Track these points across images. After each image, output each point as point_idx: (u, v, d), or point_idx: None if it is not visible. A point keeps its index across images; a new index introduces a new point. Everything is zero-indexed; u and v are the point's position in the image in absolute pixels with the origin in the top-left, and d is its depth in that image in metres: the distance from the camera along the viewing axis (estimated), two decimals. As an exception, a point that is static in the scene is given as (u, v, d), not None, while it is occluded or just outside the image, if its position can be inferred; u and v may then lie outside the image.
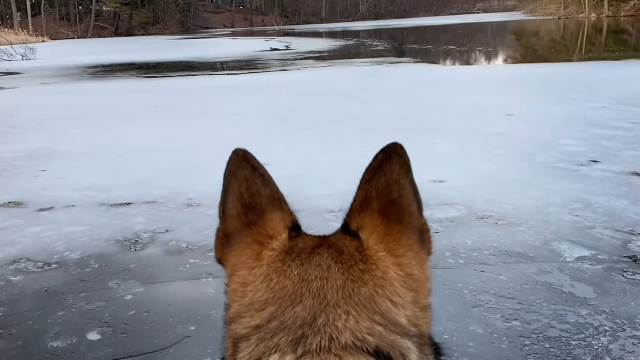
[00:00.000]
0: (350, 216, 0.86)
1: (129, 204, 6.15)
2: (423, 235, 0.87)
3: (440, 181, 6.47)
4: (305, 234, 0.87)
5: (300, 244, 0.84)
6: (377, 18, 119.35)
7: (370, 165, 0.85)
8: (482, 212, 5.50)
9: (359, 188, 0.86)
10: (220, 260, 0.90)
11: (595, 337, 3.35)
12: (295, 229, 0.87)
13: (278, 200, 0.88)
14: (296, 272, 0.78)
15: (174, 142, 9.14)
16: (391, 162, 0.84)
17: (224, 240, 0.89)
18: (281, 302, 0.76)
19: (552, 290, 3.93)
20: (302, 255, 0.81)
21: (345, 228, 0.86)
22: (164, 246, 4.96)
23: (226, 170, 0.89)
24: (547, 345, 3.29)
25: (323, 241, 0.84)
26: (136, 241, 5.10)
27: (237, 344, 0.77)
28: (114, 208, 6.05)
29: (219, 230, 0.91)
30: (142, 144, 9.20)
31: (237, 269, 0.84)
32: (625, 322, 3.48)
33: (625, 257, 4.40)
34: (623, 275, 4.09)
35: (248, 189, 0.87)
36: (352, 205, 0.86)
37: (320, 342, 0.72)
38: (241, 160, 0.88)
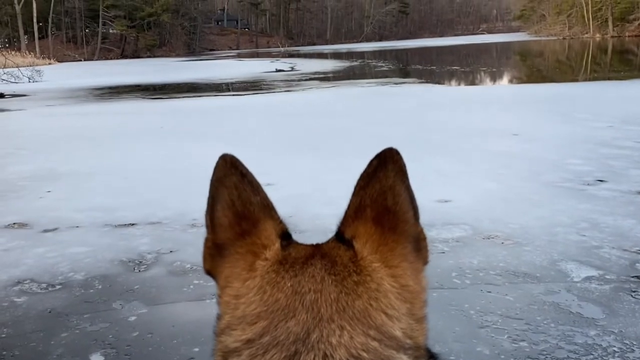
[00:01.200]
0: (344, 224, 0.84)
1: (133, 224, 6.15)
2: (419, 243, 0.85)
3: (445, 201, 6.45)
4: (297, 243, 0.84)
5: (293, 253, 0.81)
6: (381, 39, 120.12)
7: (365, 171, 0.82)
8: (488, 231, 5.47)
9: (353, 195, 0.83)
10: (209, 272, 0.88)
11: (604, 358, 3.30)
12: (285, 237, 0.84)
13: (268, 208, 0.85)
14: (289, 284, 0.76)
15: (179, 163, 9.16)
16: (386, 168, 0.82)
17: (214, 251, 0.86)
18: (274, 316, 0.74)
19: (560, 310, 3.90)
20: (295, 265, 0.79)
21: (339, 236, 0.83)
22: (168, 267, 4.95)
23: (213, 177, 0.86)
24: (555, 367, 3.25)
25: (316, 250, 0.82)
26: (140, 262, 5.09)
27: (227, 358, 0.75)
28: (119, 229, 6.04)
29: (207, 240, 0.87)
30: (147, 164, 9.22)
31: (230, 280, 0.82)
32: (635, 343, 3.44)
33: (633, 276, 4.36)
34: (631, 295, 4.06)
35: (239, 196, 0.84)
36: (346, 212, 0.84)
37: (313, 359, 0.70)
38: (229, 166, 0.85)
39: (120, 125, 14.34)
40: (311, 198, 6.71)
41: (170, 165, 9.02)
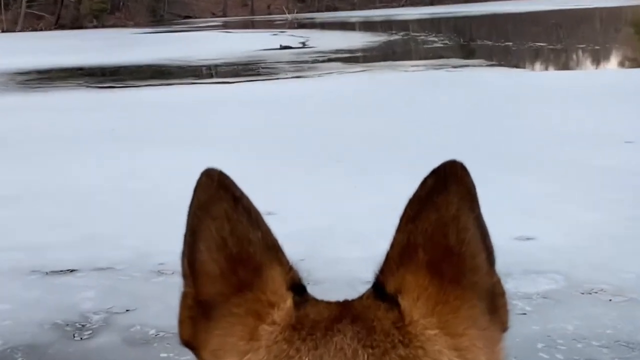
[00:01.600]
0: (385, 271, 0.81)
1: (72, 270, 6.17)
2: (494, 301, 0.83)
3: (527, 238, 6.43)
4: (315, 299, 0.82)
5: (312, 314, 0.79)
6: (433, 3, 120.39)
7: (416, 194, 0.80)
8: (588, 283, 5.45)
9: (398, 230, 0.81)
10: (188, 342, 0.85)
11: None
12: (297, 291, 0.82)
13: (273, 249, 0.82)
14: None
15: (139, 182, 9.18)
16: (447, 191, 0.79)
17: (197, 311, 0.83)
18: None
19: (695, 399, 3.87)
20: (315, 332, 0.76)
21: (378, 289, 0.81)
22: (124, 332, 4.96)
23: (194, 202, 0.84)
24: None
25: (344, 310, 0.80)
26: (83, 325, 5.10)
27: None
28: (51, 277, 6.06)
29: (186, 295, 0.84)
30: (92, 183, 9.25)
31: (220, 354, 0.79)
32: None
33: None
34: None
35: (232, 231, 0.81)
36: (388, 254, 0.81)
37: None
38: (217, 187, 0.82)
39: (55, 127, 14.39)
40: (331, 233, 6.71)
41: (126, 185, 9.05)
